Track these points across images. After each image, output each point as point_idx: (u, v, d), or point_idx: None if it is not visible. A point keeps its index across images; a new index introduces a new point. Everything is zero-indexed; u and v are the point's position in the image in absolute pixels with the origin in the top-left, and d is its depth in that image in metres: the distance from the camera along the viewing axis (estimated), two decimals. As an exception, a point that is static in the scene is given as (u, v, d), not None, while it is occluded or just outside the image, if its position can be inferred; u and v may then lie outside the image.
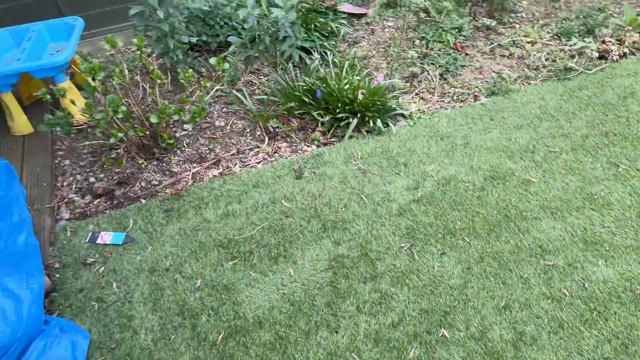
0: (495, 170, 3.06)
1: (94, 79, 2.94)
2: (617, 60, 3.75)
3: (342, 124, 3.43)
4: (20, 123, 3.67)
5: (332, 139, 3.46)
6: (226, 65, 3.35)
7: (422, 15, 4.38)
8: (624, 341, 2.18)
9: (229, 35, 4.04)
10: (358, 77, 3.53)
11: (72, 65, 3.91)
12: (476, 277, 2.52)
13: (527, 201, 2.85)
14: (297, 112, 3.56)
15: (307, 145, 3.46)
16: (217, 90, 3.86)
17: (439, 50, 4.00)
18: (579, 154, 3.09)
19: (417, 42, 4.16)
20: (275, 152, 3.45)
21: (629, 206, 2.75)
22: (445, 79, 3.81)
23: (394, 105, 3.47)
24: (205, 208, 3.03)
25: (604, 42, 3.84)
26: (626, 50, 3.76)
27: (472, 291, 2.46)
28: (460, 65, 3.91)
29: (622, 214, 2.72)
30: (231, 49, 3.85)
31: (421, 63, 3.92)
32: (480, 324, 2.32)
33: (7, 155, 3.49)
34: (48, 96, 2.96)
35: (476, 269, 2.55)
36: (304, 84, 3.56)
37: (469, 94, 3.67)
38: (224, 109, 3.83)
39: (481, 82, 3.76)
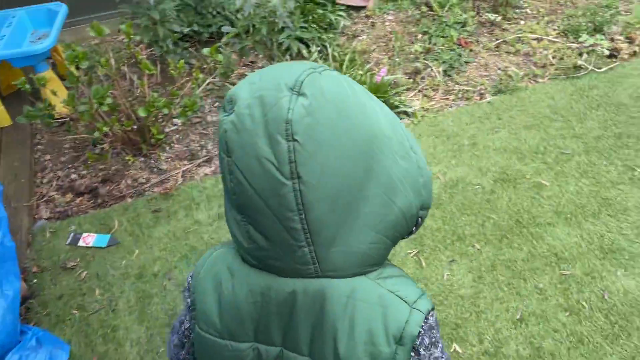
0: (505, 173, 2.89)
1: (77, 68, 2.71)
2: (627, 59, 3.61)
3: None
4: (-2, 114, 3.43)
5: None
6: (220, 56, 3.15)
7: (424, 9, 4.20)
8: (650, 359, 2.04)
9: (221, 25, 3.83)
10: (361, 72, 3.34)
11: (55, 54, 3.67)
12: (488, 287, 2.35)
13: (539, 206, 2.70)
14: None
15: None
16: (209, 83, 3.65)
17: (442, 45, 3.83)
18: (592, 156, 2.94)
19: (420, 36, 3.99)
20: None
21: (647, 212, 2.61)
22: (450, 75, 3.65)
23: (396, 102, 3.29)
24: (196, 209, 2.83)
25: (612, 40, 3.70)
26: (636, 49, 3.62)
27: (485, 302, 2.29)
28: (465, 62, 3.74)
29: (641, 220, 2.57)
30: (224, 39, 3.65)
31: (424, 59, 3.75)
32: (494, 339, 2.15)
33: (-17, 149, 3.25)
34: (27, 86, 2.73)
35: (488, 278, 2.39)
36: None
37: (474, 92, 3.51)
38: (216, 103, 3.62)
39: (487, 80, 3.60)
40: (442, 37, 3.91)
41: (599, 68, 3.55)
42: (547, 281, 2.35)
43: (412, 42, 3.94)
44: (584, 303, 2.25)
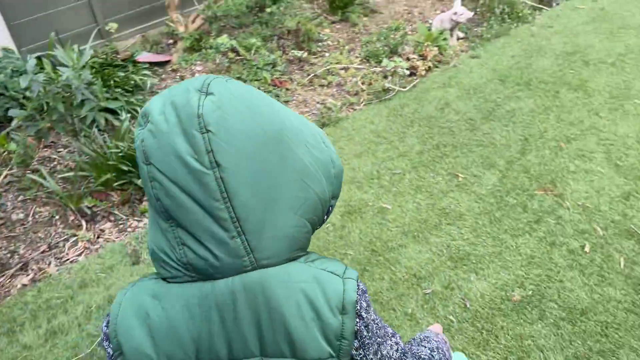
0: (350, 205, 2.92)
1: None
2: (425, 75, 3.94)
3: (173, 188, 3.00)
4: None
5: (165, 207, 3.01)
6: (12, 145, 2.72)
7: (232, 55, 4.15)
8: (519, 355, 2.15)
9: (8, 108, 3.33)
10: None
11: None
12: (363, 327, 2.31)
13: (388, 230, 2.76)
14: (117, 183, 3.04)
15: (138, 220, 2.96)
16: (5, 176, 3.13)
17: (259, 88, 3.80)
18: (420, 171, 3.12)
19: (233, 83, 3.91)
20: (98, 237, 2.88)
21: (478, 214, 2.81)
22: (272, 117, 3.62)
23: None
24: (21, 331, 2.36)
25: (408, 59, 4.02)
26: (430, 64, 3.98)
27: (364, 344, 2.24)
28: (284, 101, 3.75)
29: (476, 222, 2.77)
30: (14, 123, 3.17)
31: (243, 105, 3.67)
32: (382, 380, 2.10)
33: None
34: None
35: (361, 318, 2.35)
36: (118, 150, 3.05)
37: (300, 130, 3.52)
38: (20, 197, 3.12)
39: (309, 115, 3.64)
40: (256, 80, 3.89)
41: (404, 87, 3.82)
42: (413, 305, 2.38)
43: (227, 90, 3.85)
44: (451, 317, 2.32)
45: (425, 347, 1.06)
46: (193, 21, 4.36)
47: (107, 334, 0.87)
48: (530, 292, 2.39)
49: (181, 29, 4.30)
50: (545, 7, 4.81)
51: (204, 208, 0.75)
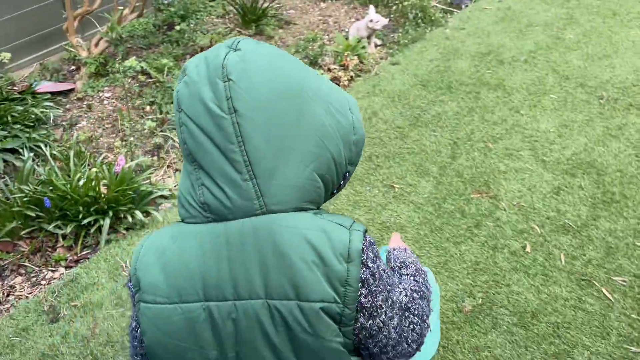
0: (287, 229, 2.77)
1: None
2: (348, 85, 3.88)
3: (92, 230, 2.72)
4: None
5: (84, 252, 2.72)
6: None
7: (142, 77, 3.88)
8: (479, 367, 2.10)
9: None
10: (95, 168, 2.85)
11: None
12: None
13: (330, 251, 2.63)
14: (24, 231, 2.71)
15: (52, 270, 2.64)
16: None
17: (176, 112, 3.56)
18: (355, 185, 3.03)
19: (148, 108, 3.65)
20: (8, 295, 2.55)
21: (419, 224, 2.76)
22: (194, 142, 3.40)
23: (149, 189, 2.90)
24: None
25: (330, 70, 3.94)
26: (352, 74, 3.92)
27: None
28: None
29: (417, 233, 2.71)
30: None
31: (162, 131, 3.42)
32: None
33: None
34: None
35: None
36: (23, 194, 2.72)
37: (225, 152, 3.33)
38: None
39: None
40: (172, 103, 3.65)
41: (329, 99, 3.72)
42: (366, 329, 2.27)
43: (142, 117, 3.58)
44: (406, 337, 2.23)
45: (408, 274, 1.10)
46: (96, 45, 4.03)
47: (130, 277, 0.92)
48: (480, 301, 2.35)
49: (83, 53, 3.96)
50: (455, 10, 4.91)
51: (221, 150, 0.82)
